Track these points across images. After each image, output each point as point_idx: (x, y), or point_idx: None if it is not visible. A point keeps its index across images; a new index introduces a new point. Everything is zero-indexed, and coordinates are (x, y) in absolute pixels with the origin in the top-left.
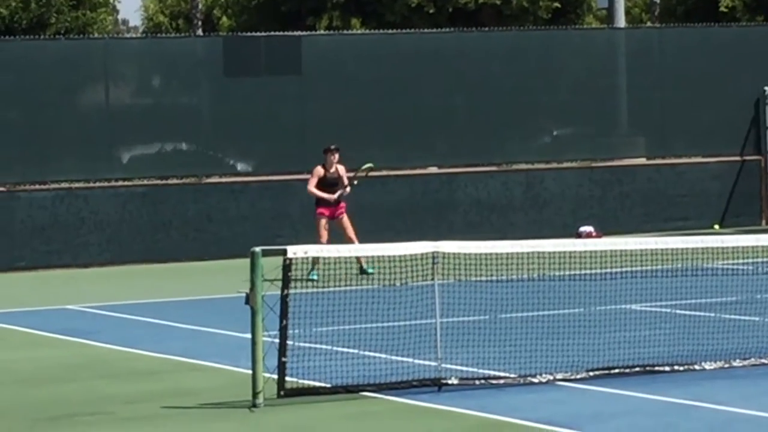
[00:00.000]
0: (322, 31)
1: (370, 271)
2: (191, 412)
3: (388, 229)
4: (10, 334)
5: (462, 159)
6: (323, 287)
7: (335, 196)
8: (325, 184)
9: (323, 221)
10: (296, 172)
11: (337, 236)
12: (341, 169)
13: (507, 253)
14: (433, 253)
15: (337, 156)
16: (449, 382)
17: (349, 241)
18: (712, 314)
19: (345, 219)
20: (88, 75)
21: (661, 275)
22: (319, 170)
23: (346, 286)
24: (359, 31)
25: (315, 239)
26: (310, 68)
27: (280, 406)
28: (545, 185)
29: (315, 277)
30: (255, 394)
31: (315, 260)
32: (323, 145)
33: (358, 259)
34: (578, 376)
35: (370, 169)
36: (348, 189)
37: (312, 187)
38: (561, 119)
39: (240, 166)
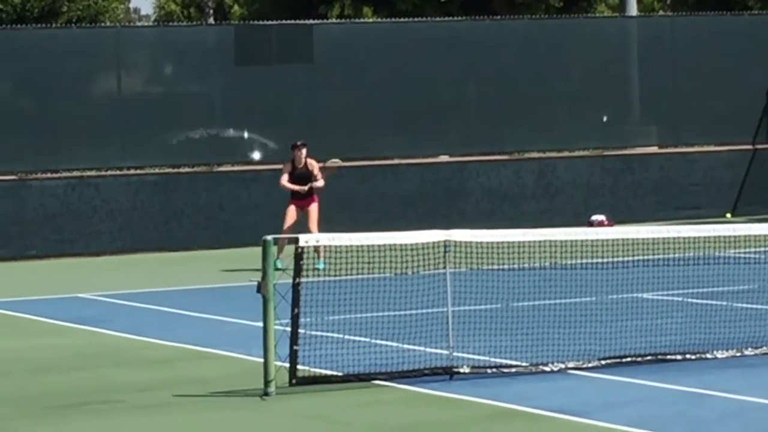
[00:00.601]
0: (333, 20)
1: (320, 266)
2: (203, 400)
3: (400, 217)
4: (22, 322)
5: (474, 147)
6: (335, 276)
7: (306, 187)
8: (294, 179)
9: (290, 208)
10: None
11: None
12: (311, 163)
13: (519, 242)
14: (444, 241)
15: (304, 151)
16: (461, 370)
17: (309, 231)
18: (724, 303)
19: (312, 208)
20: (99, 63)
21: (673, 264)
22: (288, 166)
23: (357, 274)
24: (371, 20)
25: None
26: (322, 57)
27: (291, 395)
28: (557, 174)
29: (280, 266)
30: (267, 383)
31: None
32: (335, 133)
33: (317, 249)
34: (590, 365)
35: (338, 165)
36: (320, 182)
37: (283, 181)
38: (573, 108)
39: (256, 155)
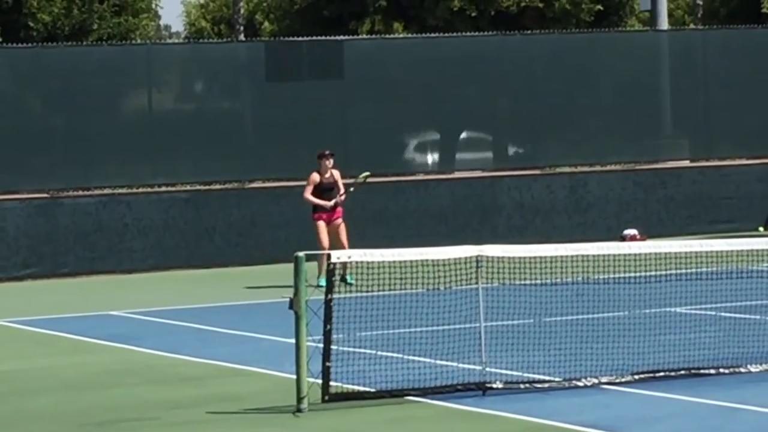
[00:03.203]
0: (364, 36)
1: (350, 281)
2: (236, 417)
3: (432, 232)
4: (55, 340)
5: (505, 162)
6: (368, 291)
7: (331, 203)
8: (321, 190)
9: (321, 224)
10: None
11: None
12: (336, 173)
13: (551, 257)
14: (476, 256)
15: (331, 161)
16: (494, 386)
17: (341, 247)
18: (758, 316)
19: (340, 224)
20: (130, 81)
21: (706, 278)
22: (315, 177)
23: (389, 290)
24: (401, 35)
25: (317, 245)
26: (353, 73)
27: (324, 411)
28: (589, 188)
29: (323, 284)
30: (299, 399)
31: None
32: (366, 149)
33: (343, 265)
34: (623, 380)
35: (368, 177)
36: (343, 196)
37: (308, 194)
38: (604, 122)
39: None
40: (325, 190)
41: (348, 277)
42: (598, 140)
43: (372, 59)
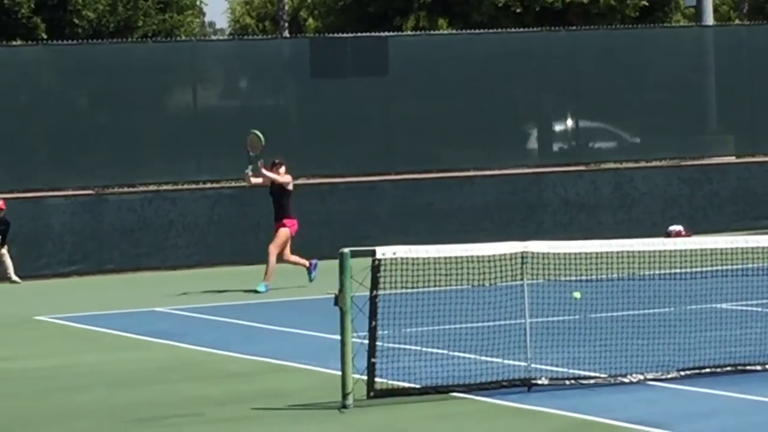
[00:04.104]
0: (408, 32)
1: (261, 289)
2: (281, 413)
3: (477, 229)
4: (100, 337)
5: (550, 158)
6: (413, 288)
7: (259, 179)
8: (270, 193)
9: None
10: (383, 173)
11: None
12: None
13: (596, 253)
14: (522, 253)
15: (283, 169)
16: (539, 382)
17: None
18: None
19: (279, 232)
20: (175, 77)
21: (752, 274)
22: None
23: (434, 286)
24: (446, 32)
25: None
26: (397, 69)
27: (369, 407)
28: (634, 184)
29: (263, 290)
30: (344, 395)
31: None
32: (410, 145)
33: (268, 271)
34: (669, 376)
35: (257, 137)
36: (281, 178)
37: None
38: (649, 118)
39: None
40: (273, 193)
41: (259, 285)
42: (644, 136)
43: (416, 55)
